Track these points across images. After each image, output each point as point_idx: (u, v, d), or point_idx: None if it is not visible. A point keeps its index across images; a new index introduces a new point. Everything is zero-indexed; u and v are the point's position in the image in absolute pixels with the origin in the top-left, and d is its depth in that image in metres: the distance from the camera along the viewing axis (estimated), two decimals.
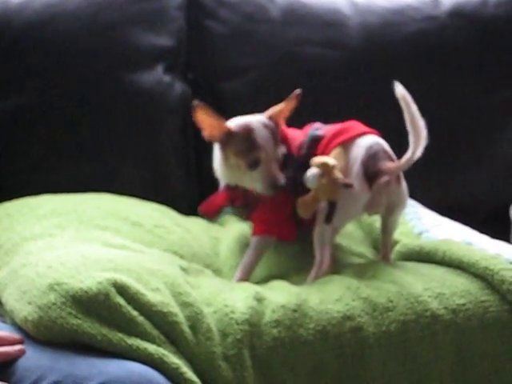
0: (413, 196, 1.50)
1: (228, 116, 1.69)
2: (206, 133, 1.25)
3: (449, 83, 1.74)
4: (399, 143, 1.69)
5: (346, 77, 1.71)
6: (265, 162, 1.22)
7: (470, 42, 1.75)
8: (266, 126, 1.24)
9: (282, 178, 1.22)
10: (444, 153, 1.72)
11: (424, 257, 1.26)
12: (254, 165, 1.22)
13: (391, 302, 1.13)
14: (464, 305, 1.15)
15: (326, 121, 1.69)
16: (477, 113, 1.74)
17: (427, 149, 1.73)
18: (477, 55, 1.75)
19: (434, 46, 1.74)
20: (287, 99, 1.28)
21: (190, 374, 1.00)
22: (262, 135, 1.23)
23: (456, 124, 1.73)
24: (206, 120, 1.25)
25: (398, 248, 1.30)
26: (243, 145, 1.23)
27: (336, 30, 1.72)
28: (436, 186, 1.71)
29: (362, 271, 1.23)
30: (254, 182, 1.23)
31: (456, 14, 1.76)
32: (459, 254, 1.21)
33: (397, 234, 1.32)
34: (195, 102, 1.25)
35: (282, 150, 1.26)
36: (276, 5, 1.72)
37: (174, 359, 1.00)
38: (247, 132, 1.23)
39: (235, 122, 1.26)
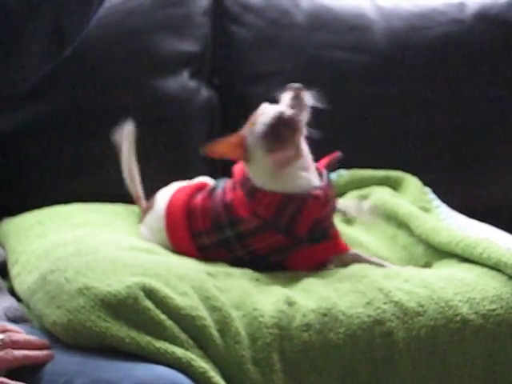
0: (442, 199, 1.50)
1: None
2: (238, 159, 1.27)
3: (475, 86, 1.73)
4: (425, 146, 1.71)
5: (371, 81, 1.70)
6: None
7: (495, 45, 1.74)
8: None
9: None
10: (471, 156, 1.71)
11: (462, 249, 1.24)
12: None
13: (422, 306, 1.12)
14: (495, 310, 1.13)
15: (350, 124, 1.70)
16: (504, 115, 1.73)
17: (455, 152, 1.74)
18: (502, 58, 1.74)
19: (460, 49, 1.73)
20: None
21: (217, 378, 1.00)
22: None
23: (483, 127, 1.72)
24: (226, 150, 1.26)
25: (440, 239, 1.28)
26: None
27: (361, 34, 1.71)
28: (464, 189, 1.70)
29: (395, 274, 1.22)
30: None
31: (482, 17, 1.75)
32: (499, 252, 1.19)
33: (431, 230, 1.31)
34: (203, 148, 1.25)
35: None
36: (301, 10, 1.72)
37: (201, 363, 1.00)
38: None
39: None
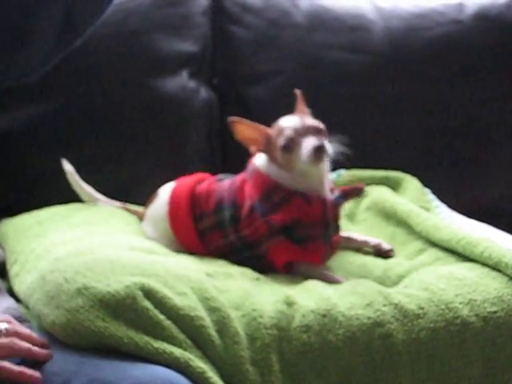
0: (441, 199, 1.50)
1: (253, 121, 1.68)
2: (253, 148, 1.26)
3: (474, 87, 1.73)
4: (424, 146, 1.71)
5: (370, 81, 1.70)
6: (296, 137, 1.22)
7: (494, 46, 1.74)
8: (292, 114, 1.27)
9: (321, 142, 1.21)
10: (471, 156, 1.71)
11: (462, 247, 1.23)
12: (287, 147, 1.22)
13: (422, 308, 1.11)
14: (495, 312, 1.13)
15: (350, 125, 1.70)
16: (503, 116, 1.73)
17: (454, 153, 1.74)
18: (502, 59, 1.74)
19: (459, 49, 1.73)
20: (297, 103, 1.30)
21: (215, 378, 1.00)
22: (286, 120, 1.25)
23: (482, 127, 1.72)
24: (247, 134, 1.25)
25: (441, 236, 1.28)
26: (276, 138, 1.24)
27: (360, 34, 1.72)
28: (464, 189, 1.70)
29: (396, 279, 1.22)
30: (301, 161, 1.22)
31: (480, 17, 1.75)
32: (500, 253, 1.18)
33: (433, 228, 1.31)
34: (231, 119, 1.24)
35: (311, 122, 1.24)
36: (300, 10, 1.72)
37: (199, 363, 1.00)
38: (276, 125, 1.25)
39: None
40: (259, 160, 1.29)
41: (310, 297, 1.12)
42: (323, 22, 1.72)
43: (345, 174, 1.57)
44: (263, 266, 1.28)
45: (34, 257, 1.23)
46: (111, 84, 1.61)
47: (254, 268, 1.26)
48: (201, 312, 1.05)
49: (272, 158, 1.26)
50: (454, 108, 1.71)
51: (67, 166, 1.49)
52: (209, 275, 1.17)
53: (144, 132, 1.62)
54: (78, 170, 1.55)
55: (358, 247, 1.36)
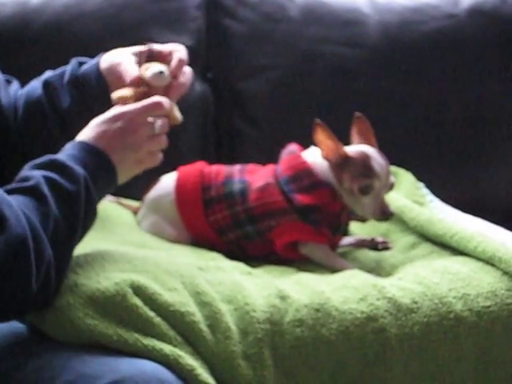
0: (435, 193, 1.50)
1: (248, 115, 1.70)
2: (323, 153, 1.28)
3: (468, 81, 1.73)
4: (418, 141, 1.71)
5: (365, 75, 1.71)
6: (378, 189, 1.26)
7: (488, 40, 1.74)
8: (381, 155, 1.28)
9: (390, 207, 1.26)
10: (465, 151, 1.71)
11: (456, 242, 1.24)
12: (366, 190, 1.25)
13: (415, 303, 1.11)
14: (489, 307, 1.12)
15: (344, 119, 1.70)
16: (497, 111, 1.73)
17: (448, 148, 1.74)
18: (496, 53, 1.74)
19: (453, 44, 1.73)
20: (369, 137, 1.31)
21: (205, 375, 1.00)
22: (378, 163, 1.26)
23: (476, 122, 1.73)
24: (324, 141, 1.27)
25: (435, 230, 1.29)
26: (360, 170, 1.26)
27: (355, 28, 1.72)
28: (457, 184, 1.70)
29: (390, 270, 1.22)
30: (364, 208, 1.27)
31: (475, 12, 1.75)
32: (494, 247, 1.18)
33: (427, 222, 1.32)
34: (317, 121, 1.25)
35: (393, 179, 1.29)
36: (295, 4, 1.72)
37: (189, 360, 0.99)
38: (365, 158, 1.26)
39: (352, 148, 1.29)
40: (310, 153, 1.32)
41: (303, 291, 1.12)
42: (318, 16, 1.72)
43: None
44: (262, 242, 1.30)
45: None
46: None
47: (251, 246, 1.30)
48: (192, 307, 1.04)
49: (334, 170, 1.28)
50: (449, 102, 1.72)
51: None
52: (201, 269, 1.16)
53: None
54: None
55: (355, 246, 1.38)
